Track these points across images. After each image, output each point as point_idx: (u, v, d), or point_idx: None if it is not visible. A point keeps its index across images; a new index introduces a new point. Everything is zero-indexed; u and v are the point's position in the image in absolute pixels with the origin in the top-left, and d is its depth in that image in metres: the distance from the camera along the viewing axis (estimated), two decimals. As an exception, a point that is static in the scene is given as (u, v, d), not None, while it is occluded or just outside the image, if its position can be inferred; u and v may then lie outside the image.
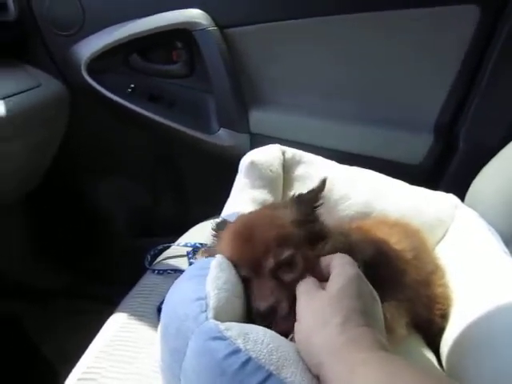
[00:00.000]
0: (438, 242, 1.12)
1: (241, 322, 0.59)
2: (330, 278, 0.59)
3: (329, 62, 1.35)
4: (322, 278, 0.62)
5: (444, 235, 1.10)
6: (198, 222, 1.38)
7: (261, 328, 0.56)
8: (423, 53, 1.27)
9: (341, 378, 0.48)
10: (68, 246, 1.75)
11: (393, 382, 0.44)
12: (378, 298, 0.62)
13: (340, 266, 0.60)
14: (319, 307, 0.55)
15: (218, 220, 0.78)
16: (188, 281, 0.63)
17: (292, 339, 0.58)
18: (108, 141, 1.60)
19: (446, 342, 0.86)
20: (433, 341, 0.91)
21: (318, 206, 0.72)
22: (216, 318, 0.55)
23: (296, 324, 0.58)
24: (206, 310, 0.56)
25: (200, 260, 0.71)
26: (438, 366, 0.86)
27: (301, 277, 0.63)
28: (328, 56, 1.34)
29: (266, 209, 0.80)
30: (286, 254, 0.63)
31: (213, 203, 1.03)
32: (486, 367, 0.73)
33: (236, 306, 0.60)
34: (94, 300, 1.61)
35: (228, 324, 0.54)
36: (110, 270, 1.70)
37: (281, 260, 0.63)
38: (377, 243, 0.84)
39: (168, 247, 1.22)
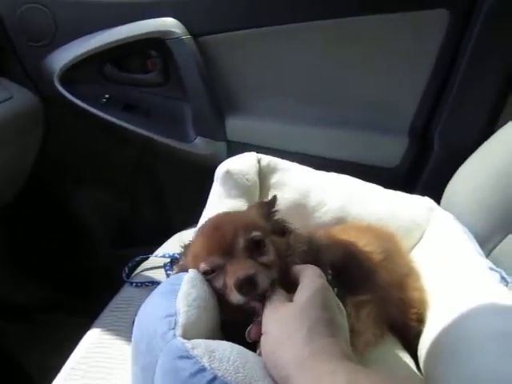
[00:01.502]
0: (415, 245, 1.12)
1: (213, 338, 0.58)
2: (298, 289, 0.59)
3: (303, 68, 1.35)
4: (290, 283, 0.62)
5: (420, 238, 1.11)
6: (178, 231, 1.36)
7: (228, 344, 0.56)
8: (396, 57, 1.29)
9: None
10: (47, 258, 1.72)
11: None
12: (343, 309, 0.63)
13: (307, 278, 0.60)
14: (285, 319, 0.55)
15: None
16: (159, 297, 0.62)
17: (259, 354, 0.58)
18: (85, 151, 1.58)
19: (423, 346, 0.85)
20: (410, 345, 0.91)
21: (276, 210, 0.77)
22: (184, 335, 0.55)
23: (262, 337, 0.58)
24: (174, 328, 0.55)
25: (174, 275, 0.70)
26: (415, 370, 0.86)
27: (274, 262, 0.65)
28: (302, 61, 1.35)
29: (231, 212, 0.82)
30: (255, 233, 0.65)
31: (192, 212, 1.02)
32: (463, 371, 0.73)
33: (207, 322, 0.60)
34: (74, 313, 1.57)
35: (195, 342, 0.53)
36: (90, 282, 1.68)
37: (251, 238, 0.64)
38: (344, 246, 0.85)
39: (146, 258, 1.22)
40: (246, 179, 1.03)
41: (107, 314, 1.02)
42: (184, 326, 0.55)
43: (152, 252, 1.23)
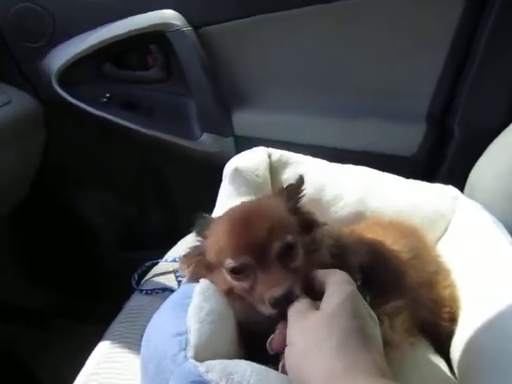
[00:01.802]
0: (440, 238, 1.06)
1: (229, 354, 0.53)
2: (325, 296, 0.54)
3: (312, 55, 1.28)
4: (315, 291, 0.57)
5: (446, 230, 1.05)
6: (187, 233, 1.31)
7: (247, 364, 0.50)
8: (410, 39, 1.20)
9: None
10: (55, 263, 1.68)
11: None
12: (375, 317, 0.57)
13: (335, 284, 0.55)
14: (312, 329, 0.50)
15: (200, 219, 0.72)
16: (168, 311, 0.57)
17: (283, 368, 0.52)
18: (88, 153, 1.53)
19: (457, 348, 0.80)
20: (442, 347, 0.85)
21: (303, 196, 0.71)
22: (197, 357, 0.49)
23: (287, 349, 0.52)
24: (185, 348, 0.49)
25: (183, 286, 0.64)
26: (450, 375, 0.80)
27: (301, 266, 0.61)
28: (311, 49, 1.27)
29: (257, 200, 0.76)
30: (289, 237, 0.60)
31: (202, 212, 0.96)
32: (502, 372, 0.67)
33: (222, 339, 0.54)
34: (85, 319, 1.55)
35: (210, 364, 0.47)
36: (99, 286, 1.64)
37: (286, 244, 0.60)
38: (372, 245, 0.80)
39: (156, 263, 1.17)
40: (256, 175, 0.98)
41: (116, 325, 0.97)
42: (196, 346, 0.49)
43: (162, 256, 1.19)
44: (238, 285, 0.60)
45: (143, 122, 1.36)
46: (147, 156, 1.52)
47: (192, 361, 0.48)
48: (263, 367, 0.51)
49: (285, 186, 0.73)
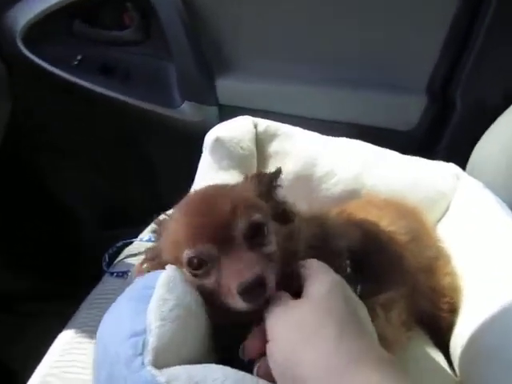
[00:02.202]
0: (440, 219, 1.00)
1: (198, 358, 0.43)
2: (306, 285, 0.49)
3: (302, 20, 1.17)
4: (292, 287, 0.50)
5: (446, 210, 0.99)
6: (169, 208, 1.21)
7: (219, 370, 0.41)
8: (409, 6, 1.11)
9: None
10: (29, 244, 1.57)
11: None
12: (363, 305, 0.52)
13: (316, 272, 0.50)
14: (300, 320, 0.45)
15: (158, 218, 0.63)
16: (124, 306, 0.47)
17: (259, 370, 0.45)
18: (60, 122, 1.41)
19: (457, 341, 0.75)
20: (441, 340, 0.79)
21: (278, 185, 0.63)
22: (156, 362, 0.40)
23: (269, 346, 0.44)
24: (142, 352, 0.40)
25: (144, 275, 0.54)
26: (448, 370, 0.74)
27: (276, 253, 0.52)
28: (301, 12, 1.16)
29: (221, 185, 0.66)
30: (257, 215, 0.52)
31: (183, 187, 0.88)
32: (504, 368, 0.62)
33: (190, 339, 0.44)
34: (60, 300, 1.44)
35: (172, 372, 0.39)
36: (77, 268, 1.52)
37: (254, 222, 0.51)
38: (364, 226, 0.73)
39: (130, 243, 1.06)
40: (241, 147, 0.92)
41: (82, 312, 0.87)
42: (156, 349, 0.40)
43: (136, 234, 1.09)
44: (201, 283, 0.51)
45: (118, 88, 1.27)
46: (124, 126, 1.41)
47: (150, 368, 0.38)
48: (241, 373, 0.42)
49: (256, 173, 0.65)
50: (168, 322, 0.42)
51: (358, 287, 0.58)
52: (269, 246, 0.52)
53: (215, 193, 0.57)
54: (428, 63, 1.16)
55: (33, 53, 1.23)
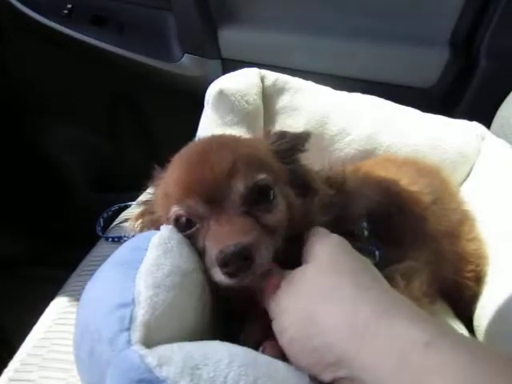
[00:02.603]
0: (463, 181, 0.94)
1: (197, 333, 0.37)
2: (307, 250, 0.45)
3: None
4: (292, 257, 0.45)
5: (469, 173, 0.94)
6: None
7: (223, 348, 0.34)
8: None
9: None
10: (22, 208, 1.52)
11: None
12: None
13: (316, 236, 0.46)
14: (308, 286, 0.40)
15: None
16: (110, 273, 0.39)
17: (265, 349, 0.40)
18: (51, 77, 1.34)
19: (482, 314, 0.69)
20: (464, 311, 0.74)
21: (301, 150, 0.56)
22: (146, 340, 0.33)
23: (277, 323, 0.40)
24: (129, 327, 0.33)
25: (139, 234, 0.47)
26: None
27: (281, 223, 0.46)
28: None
29: (230, 136, 0.59)
30: (261, 176, 0.45)
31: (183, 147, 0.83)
32: None
33: (186, 311, 0.38)
34: (55, 265, 1.41)
35: (164, 352, 0.32)
36: (72, 232, 1.48)
37: (256, 184, 0.45)
38: (383, 185, 0.68)
39: (127, 207, 1.01)
40: (246, 101, 0.85)
41: (75, 279, 0.82)
42: (146, 323, 0.33)
43: (134, 197, 1.01)
44: (195, 244, 0.45)
45: (112, 40, 1.22)
46: (119, 81, 1.35)
47: (137, 347, 0.32)
48: (252, 353, 0.35)
49: (279, 130, 0.58)
50: (162, 291, 0.36)
51: (376, 253, 0.53)
52: (272, 215, 0.45)
53: (217, 143, 0.50)
54: (451, 13, 1.08)
55: (20, 1, 1.16)
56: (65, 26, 1.17)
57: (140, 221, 0.54)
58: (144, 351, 0.31)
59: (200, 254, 0.44)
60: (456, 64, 1.11)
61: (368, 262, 0.45)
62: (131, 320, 0.33)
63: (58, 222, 1.56)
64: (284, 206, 0.47)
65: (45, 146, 1.50)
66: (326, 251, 0.43)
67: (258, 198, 0.44)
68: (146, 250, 0.40)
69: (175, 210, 0.44)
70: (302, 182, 0.52)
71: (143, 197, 0.60)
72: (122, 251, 0.43)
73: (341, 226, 0.50)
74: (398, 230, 0.61)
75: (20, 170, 1.51)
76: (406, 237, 0.62)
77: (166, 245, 0.40)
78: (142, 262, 0.38)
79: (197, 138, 0.85)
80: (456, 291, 0.73)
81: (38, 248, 1.57)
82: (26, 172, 1.52)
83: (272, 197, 0.45)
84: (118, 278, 0.37)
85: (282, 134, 0.55)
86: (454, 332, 0.36)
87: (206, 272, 0.42)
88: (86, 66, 1.30)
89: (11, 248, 1.55)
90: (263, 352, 0.39)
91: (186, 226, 0.44)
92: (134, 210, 1.01)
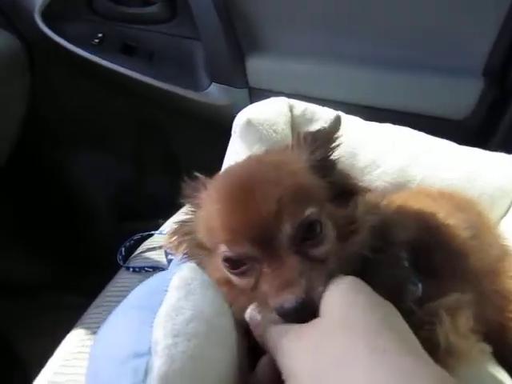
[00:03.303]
0: (501, 217, 0.89)
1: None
2: (323, 301, 0.41)
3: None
4: None
5: (509, 209, 0.89)
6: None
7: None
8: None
9: None
10: (45, 234, 1.53)
11: None
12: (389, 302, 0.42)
13: (333, 286, 0.42)
14: (322, 342, 0.37)
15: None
16: (124, 318, 0.36)
17: None
18: (79, 105, 1.36)
19: None
20: (507, 357, 0.68)
21: (336, 147, 0.54)
22: (163, 397, 0.29)
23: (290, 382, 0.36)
24: (144, 381, 0.30)
25: (159, 273, 0.45)
26: None
27: (331, 252, 0.44)
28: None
29: (266, 153, 0.58)
30: (309, 210, 0.44)
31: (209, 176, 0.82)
32: None
33: (211, 363, 0.34)
34: (76, 293, 1.40)
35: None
36: (92, 259, 1.46)
37: (306, 221, 0.43)
38: (421, 218, 0.64)
39: (149, 236, 1.01)
40: (274, 131, 0.82)
41: (93, 310, 0.81)
42: (164, 377, 0.30)
43: (158, 225, 1.04)
44: (236, 280, 0.43)
45: (142, 68, 1.21)
46: (146, 109, 1.35)
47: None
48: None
49: (307, 132, 0.55)
50: (182, 340, 0.32)
51: (419, 286, 0.50)
52: (323, 247, 0.44)
53: (260, 175, 0.48)
54: (485, 42, 1.05)
55: (52, 30, 1.18)
56: (95, 55, 1.18)
57: (182, 241, 0.52)
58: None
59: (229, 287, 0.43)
60: (490, 94, 1.07)
61: (389, 308, 0.42)
62: (146, 372, 0.30)
63: (78, 248, 1.56)
64: (331, 232, 0.45)
65: (67, 173, 1.51)
66: (345, 300, 0.40)
67: (306, 235, 0.43)
68: (166, 291, 0.37)
69: (223, 250, 0.43)
70: (342, 189, 0.51)
71: (179, 216, 0.57)
72: (138, 294, 0.40)
73: (386, 257, 0.49)
74: (437, 266, 0.58)
75: (43, 195, 1.54)
76: (445, 273, 0.58)
77: (187, 286, 0.38)
78: (161, 306, 0.35)
79: (223, 169, 0.84)
80: (498, 335, 0.67)
81: (56, 274, 1.57)
82: (48, 198, 1.54)
83: (319, 229, 0.44)
84: (132, 324, 0.34)
85: (314, 137, 0.53)
86: None
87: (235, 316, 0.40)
88: (113, 94, 1.31)
89: (28, 273, 1.55)
90: None
91: (235, 265, 0.43)
92: (156, 238, 1.01)
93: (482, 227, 0.72)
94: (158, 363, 0.31)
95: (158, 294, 0.36)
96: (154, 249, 0.96)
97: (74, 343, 0.73)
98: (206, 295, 0.38)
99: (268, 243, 0.41)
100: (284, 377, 0.36)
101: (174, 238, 0.53)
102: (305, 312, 0.38)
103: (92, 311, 0.81)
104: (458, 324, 0.52)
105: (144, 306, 0.35)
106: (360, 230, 0.48)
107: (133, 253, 0.98)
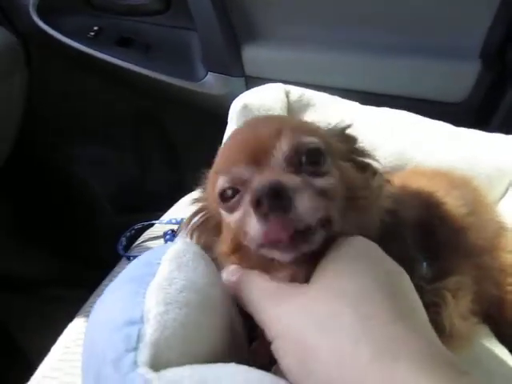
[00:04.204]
0: (500, 198, 0.88)
1: (212, 355, 0.33)
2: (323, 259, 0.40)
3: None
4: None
5: (507, 190, 0.88)
6: (190, 191, 1.14)
7: (239, 372, 0.30)
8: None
9: None
10: (45, 228, 1.55)
11: None
12: (403, 270, 0.39)
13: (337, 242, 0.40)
14: (307, 308, 0.35)
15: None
16: (119, 290, 0.37)
17: (276, 372, 0.35)
18: (76, 98, 1.37)
19: None
20: (505, 332, 0.68)
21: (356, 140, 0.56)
22: (154, 362, 0.29)
23: (275, 345, 0.35)
24: (136, 347, 0.30)
25: (155, 248, 0.45)
26: None
27: (335, 190, 0.42)
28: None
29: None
30: (310, 139, 0.43)
31: (207, 166, 0.82)
32: None
33: (201, 331, 0.34)
34: (77, 287, 1.43)
35: (173, 377, 0.28)
36: (93, 252, 1.48)
37: (301, 144, 0.42)
38: (422, 197, 0.64)
39: (149, 226, 1.00)
40: None
41: (94, 299, 0.79)
42: (155, 343, 0.30)
43: (158, 217, 1.03)
44: (227, 217, 0.43)
45: (138, 60, 1.23)
46: (143, 101, 1.36)
47: (143, 370, 0.28)
48: (265, 375, 0.32)
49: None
50: (174, 308, 0.32)
51: (424, 265, 0.50)
52: (323, 179, 0.41)
53: (265, 118, 0.51)
54: (482, 24, 1.04)
55: (47, 24, 1.19)
56: (91, 48, 1.19)
57: (196, 225, 0.52)
58: (151, 375, 0.28)
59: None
60: (488, 77, 1.07)
61: (398, 277, 0.39)
62: (138, 339, 0.30)
63: (80, 242, 1.58)
64: (337, 174, 0.43)
65: (66, 166, 1.52)
66: (348, 257, 0.39)
67: (306, 161, 0.41)
68: (159, 264, 0.37)
69: (220, 182, 0.42)
70: (360, 162, 0.51)
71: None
72: (133, 267, 0.40)
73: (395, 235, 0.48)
74: (440, 244, 0.58)
75: (43, 189, 1.55)
76: (448, 251, 0.58)
77: (180, 258, 0.38)
78: (154, 277, 0.36)
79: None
80: (498, 310, 0.67)
81: (59, 268, 1.58)
82: (48, 192, 1.55)
83: (322, 161, 0.42)
84: (127, 295, 0.34)
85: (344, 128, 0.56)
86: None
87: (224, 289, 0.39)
88: (110, 86, 1.32)
89: (32, 267, 1.57)
90: (275, 373, 0.35)
91: (229, 197, 0.42)
92: (157, 228, 1.01)
93: (477, 203, 0.72)
94: (149, 330, 0.31)
95: (151, 266, 0.37)
96: (154, 238, 0.96)
97: (77, 330, 0.73)
98: (198, 267, 0.38)
99: (264, 163, 0.40)
100: (269, 338, 0.35)
101: (189, 224, 0.53)
102: (278, 201, 0.35)
103: (93, 300, 0.81)
104: (461, 306, 0.53)
105: (137, 279, 0.36)
106: (373, 198, 0.48)
107: (133, 243, 0.98)
